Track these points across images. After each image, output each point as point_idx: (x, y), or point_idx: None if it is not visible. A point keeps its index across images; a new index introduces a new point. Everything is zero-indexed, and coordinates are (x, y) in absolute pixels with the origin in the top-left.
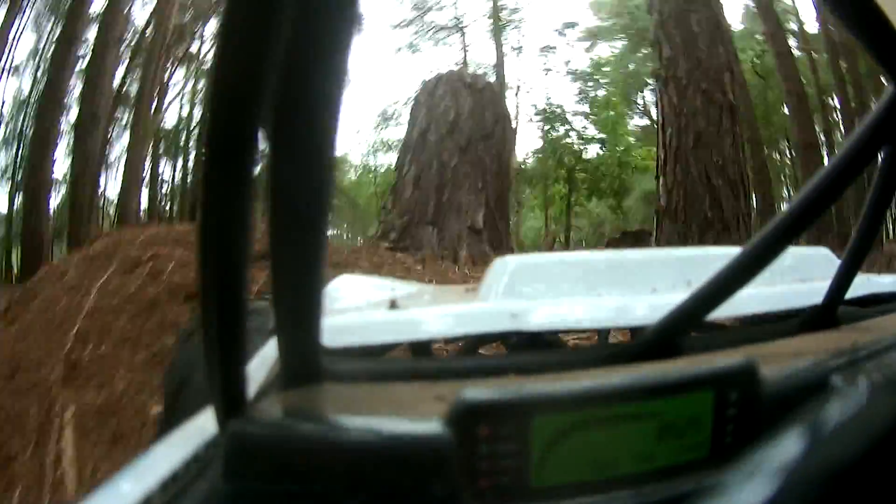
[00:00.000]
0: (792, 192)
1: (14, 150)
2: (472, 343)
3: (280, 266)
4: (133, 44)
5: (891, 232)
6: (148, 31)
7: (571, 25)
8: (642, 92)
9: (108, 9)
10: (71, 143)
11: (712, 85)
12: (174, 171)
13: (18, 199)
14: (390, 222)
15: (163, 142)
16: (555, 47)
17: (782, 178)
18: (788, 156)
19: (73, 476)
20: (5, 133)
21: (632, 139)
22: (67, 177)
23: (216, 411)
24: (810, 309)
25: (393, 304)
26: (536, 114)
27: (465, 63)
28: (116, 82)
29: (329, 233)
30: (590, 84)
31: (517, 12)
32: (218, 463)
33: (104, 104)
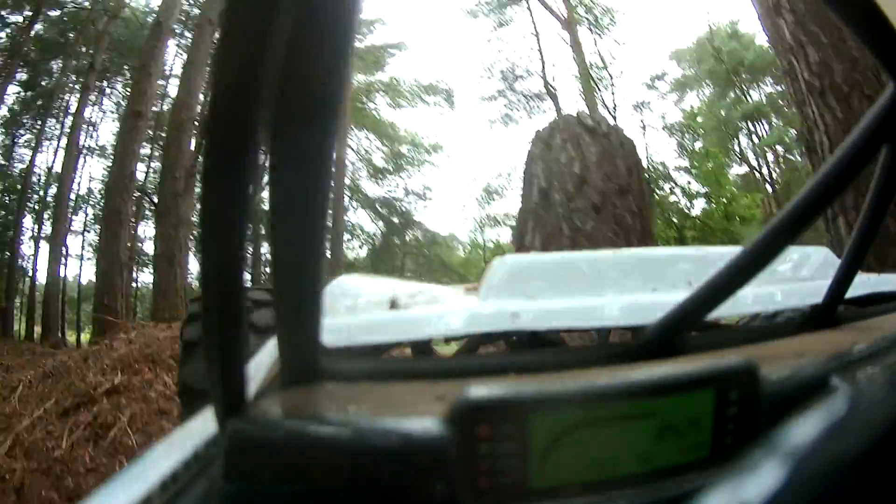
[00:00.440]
0: None
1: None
2: (472, 343)
3: (280, 266)
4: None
5: None
6: None
7: (660, 77)
8: (736, 138)
9: (182, 89)
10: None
11: (875, 89)
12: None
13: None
14: None
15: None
16: (648, 102)
17: None
18: None
19: None
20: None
21: (734, 190)
22: (153, 256)
23: (216, 411)
24: (810, 309)
25: (393, 304)
26: None
27: None
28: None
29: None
30: (686, 136)
31: (605, 69)
32: (218, 463)
33: (179, 185)
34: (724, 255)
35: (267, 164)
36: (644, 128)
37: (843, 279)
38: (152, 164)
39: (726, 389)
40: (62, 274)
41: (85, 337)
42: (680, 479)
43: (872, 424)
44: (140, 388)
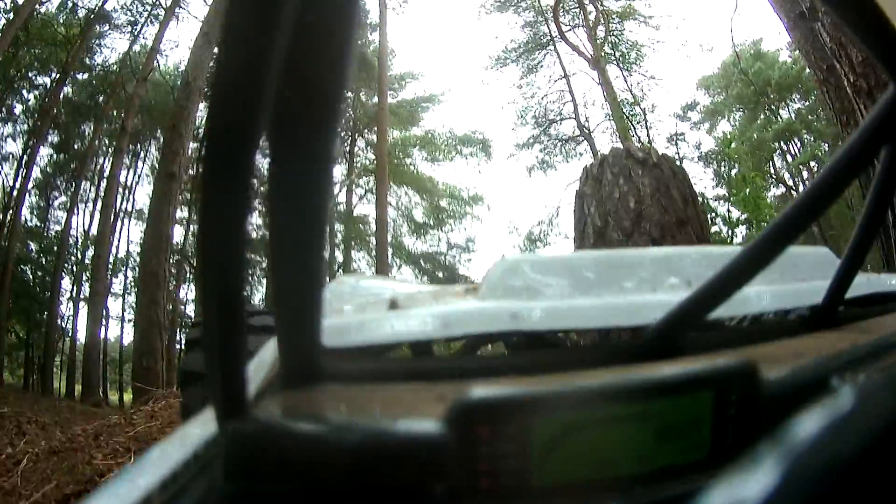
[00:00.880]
0: None
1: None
2: (472, 343)
3: (280, 266)
4: None
5: None
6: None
7: (692, 107)
8: (771, 160)
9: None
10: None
11: None
12: None
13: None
14: None
15: None
16: (682, 134)
17: None
18: None
19: None
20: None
21: (774, 213)
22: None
23: (216, 411)
24: (810, 309)
25: (393, 304)
26: None
27: None
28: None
29: None
30: (723, 164)
31: (636, 103)
32: (218, 463)
33: None
34: (724, 255)
35: (267, 165)
36: (681, 160)
37: (844, 279)
38: (191, 227)
39: (726, 390)
40: (103, 335)
41: (127, 396)
42: (680, 480)
43: (873, 425)
44: None
